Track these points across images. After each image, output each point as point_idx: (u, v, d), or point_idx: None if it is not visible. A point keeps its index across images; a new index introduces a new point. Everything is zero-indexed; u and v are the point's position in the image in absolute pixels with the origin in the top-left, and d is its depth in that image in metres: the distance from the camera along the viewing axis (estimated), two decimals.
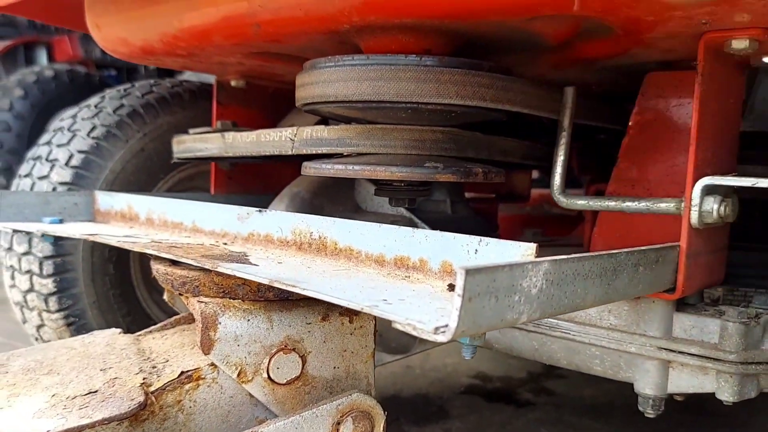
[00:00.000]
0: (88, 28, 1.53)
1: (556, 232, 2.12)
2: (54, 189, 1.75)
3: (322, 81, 1.13)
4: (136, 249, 1.14)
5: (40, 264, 1.72)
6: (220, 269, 0.98)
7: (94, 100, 1.93)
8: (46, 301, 1.75)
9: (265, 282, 0.90)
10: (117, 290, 1.87)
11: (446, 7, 0.98)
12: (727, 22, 0.97)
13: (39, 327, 1.82)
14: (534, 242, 1.87)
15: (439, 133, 1.19)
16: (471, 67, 1.11)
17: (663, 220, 1.20)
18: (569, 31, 1.12)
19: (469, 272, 0.65)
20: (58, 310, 1.76)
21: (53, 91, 5.21)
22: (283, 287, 0.87)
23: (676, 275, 1.08)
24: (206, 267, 1.00)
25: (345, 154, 1.27)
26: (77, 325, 1.79)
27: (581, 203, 1.23)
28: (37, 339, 1.86)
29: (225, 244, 1.28)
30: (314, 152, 1.28)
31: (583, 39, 1.18)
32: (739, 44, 1.02)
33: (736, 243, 1.31)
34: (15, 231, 1.54)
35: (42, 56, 6.16)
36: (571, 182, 1.98)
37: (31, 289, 1.77)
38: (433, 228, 1.68)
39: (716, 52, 1.06)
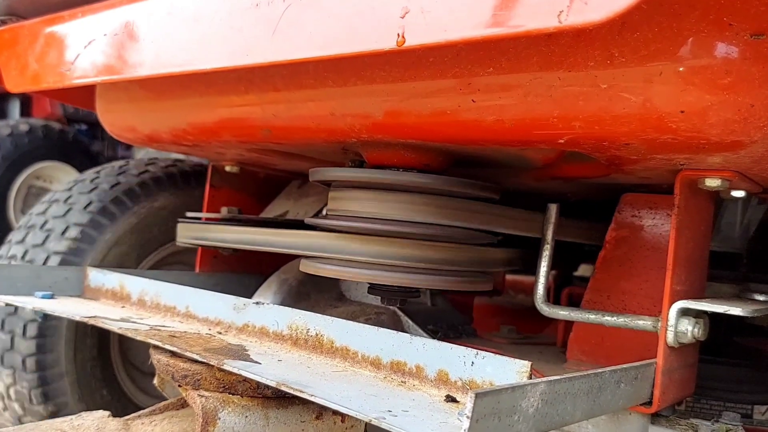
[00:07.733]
0: (97, 112, 1.59)
1: (529, 326, 2.19)
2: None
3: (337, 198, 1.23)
4: (139, 338, 1.17)
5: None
6: (225, 367, 1.01)
7: (108, 169, 2.06)
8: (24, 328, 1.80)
9: (272, 384, 0.94)
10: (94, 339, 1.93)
11: (451, 135, 1.08)
12: (702, 164, 1.08)
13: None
14: (513, 341, 1.91)
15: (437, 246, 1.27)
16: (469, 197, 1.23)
17: (637, 330, 1.28)
18: (556, 157, 1.23)
19: (479, 395, 0.71)
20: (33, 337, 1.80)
21: (26, 145, 5.19)
22: (292, 392, 0.91)
23: (653, 390, 1.14)
24: (211, 363, 1.04)
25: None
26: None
27: (563, 314, 1.30)
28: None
29: (219, 333, 1.31)
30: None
31: (566, 161, 1.28)
32: (712, 182, 1.12)
33: (705, 356, 1.39)
34: (7, 304, 1.56)
35: (15, 109, 6.15)
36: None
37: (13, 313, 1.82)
38: (414, 319, 1.74)
39: (691, 187, 1.16)
